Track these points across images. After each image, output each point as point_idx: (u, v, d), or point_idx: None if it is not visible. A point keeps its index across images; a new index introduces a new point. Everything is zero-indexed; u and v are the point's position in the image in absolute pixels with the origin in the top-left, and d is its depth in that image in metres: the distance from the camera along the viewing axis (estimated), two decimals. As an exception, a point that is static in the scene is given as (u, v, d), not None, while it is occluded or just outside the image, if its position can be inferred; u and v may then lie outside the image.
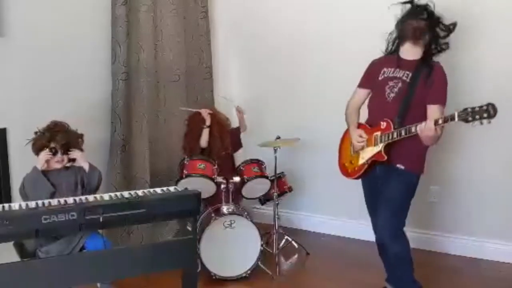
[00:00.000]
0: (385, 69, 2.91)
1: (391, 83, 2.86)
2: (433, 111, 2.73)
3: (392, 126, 2.78)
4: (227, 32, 4.64)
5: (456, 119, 2.45)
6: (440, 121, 2.53)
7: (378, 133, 2.84)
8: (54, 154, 2.82)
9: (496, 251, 3.68)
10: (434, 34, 2.83)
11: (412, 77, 2.79)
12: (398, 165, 2.81)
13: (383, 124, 2.83)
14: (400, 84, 2.82)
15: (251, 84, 4.60)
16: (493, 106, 2.38)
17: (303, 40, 4.23)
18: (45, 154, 2.79)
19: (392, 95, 2.84)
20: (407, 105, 2.77)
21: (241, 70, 4.67)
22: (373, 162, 2.88)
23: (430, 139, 2.66)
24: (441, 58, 2.89)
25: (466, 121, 2.44)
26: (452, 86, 2.84)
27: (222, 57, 4.67)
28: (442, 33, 2.85)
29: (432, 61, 2.84)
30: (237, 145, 4.07)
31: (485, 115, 2.39)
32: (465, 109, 2.43)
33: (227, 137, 3.86)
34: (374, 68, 3.00)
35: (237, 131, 4.06)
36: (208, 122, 3.76)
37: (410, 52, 2.84)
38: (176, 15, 4.04)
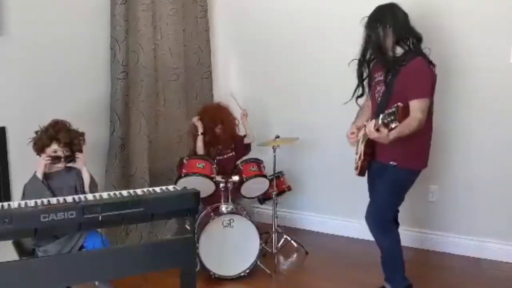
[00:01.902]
0: (376, 74, 2.96)
1: (378, 88, 2.94)
2: (411, 106, 2.73)
3: None
4: (226, 31, 4.64)
5: (380, 121, 2.52)
6: (379, 122, 2.57)
7: (364, 131, 2.94)
8: (56, 161, 2.81)
9: (499, 251, 3.68)
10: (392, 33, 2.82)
11: (390, 77, 2.83)
12: (391, 162, 2.86)
13: None
14: (383, 87, 2.88)
15: (250, 84, 4.59)
16: (398, 108, 2.39)
17: (302, 39, 4.23)
18: (45, 158, 2.77)
19: (379, 99, 2.91)
20: (385, 105, 2.80)
21: (240, 69, 4.67)
22: (362, 161, 2.96)
23: (379, 139, 2.67)
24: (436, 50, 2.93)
25: (384, 124, 2.48)
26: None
27: (221, 56, 4.67)
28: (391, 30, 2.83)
29: (410, 54, 2.81)
30: (241, 153, 4.04)
31: (392, 117, 2.42)
32: (385, 112, 2.50)
33: (229, 138, 3.88)
34: (371, 74, 3.04)
35: (241, 138, 4.03)
36: (200, 130, 3.77)
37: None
38: (175, 14, 4.04)
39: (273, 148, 3.75)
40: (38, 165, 2.78)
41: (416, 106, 2.70)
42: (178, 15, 4.07)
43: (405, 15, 2.87)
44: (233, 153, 3.97)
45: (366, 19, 2.90)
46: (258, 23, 4.43)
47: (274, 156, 3.76)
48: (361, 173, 3.05)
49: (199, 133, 3.78)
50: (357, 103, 3.09)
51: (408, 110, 2.62)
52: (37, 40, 3.19)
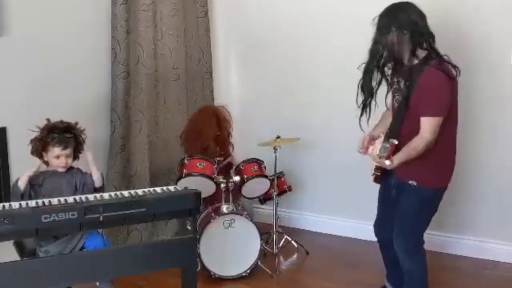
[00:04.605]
0: (395, 79, 2.72)
1: (396, 96, 2.71)
2: (422, 124, 2.54)
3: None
4: (227, 31, 4.64)
5: (377, 151, 2.47)
6: (377, 152, 2.50)
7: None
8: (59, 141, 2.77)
9: (502, 252, 3.67)
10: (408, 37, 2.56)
11: (407, 87, 2.60)
12: (410, 182, 2.66)
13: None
14: (400, 96, 2.66)
15: (251, 84, 4.59)
16: (391, 146, 2.38)
17: (303, 39, 4.22)
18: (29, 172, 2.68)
19: (396, 108, 2.71)
20: (400, 118, 2.63)
21: (241, 70, 4.66)
22: (376, 172, 2.76)
23: (383, 166, 2.54)
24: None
25: (378, 156, 2.46)
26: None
27: (222, 56, 4.67)
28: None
29: (427, 63, 2.57)
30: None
31: (384, 154, 2.40)
32: (382, 144, 2.47)
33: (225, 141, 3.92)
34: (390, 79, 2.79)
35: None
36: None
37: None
38: (176, 14, 4.04)
39: (274, 148, 3.75)
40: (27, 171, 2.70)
41: (426, 125, 2.52)
42: (178, 15, 4.07)
43: (422, 16, 2.60)
44: (222, 158, 3.93)
45: (378, 19, 2.63)
46: (259, 23, 4.43)
47: (275, 156, 3.76)
48: (376, 182, 2.85)
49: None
50: (367, 121, 2.77)
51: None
52: (38, 41, 3.19)
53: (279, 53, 4.37)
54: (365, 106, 2.71)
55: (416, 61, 2.60)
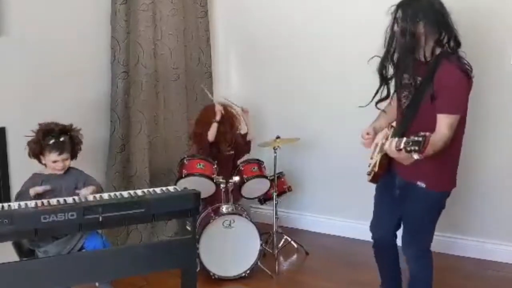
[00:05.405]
0: (405, 75, 2.53)
1: (405, 92, 2.54)
2: (439, 121, 2.38)
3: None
4: (226, 31, 4.64)
5: (402, 145, 2.19)
6: (401, 146, 2.19)
7: (384, 140, 2.63)
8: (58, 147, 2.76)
9: (505, 253, 3.67)
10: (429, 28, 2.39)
11: (421, 83, 2.44)
12: (418, 183, 2.52)
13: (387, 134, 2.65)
14: (412, 92, 2.50)
15: (250, 84, 4.59)
16: (425, 139, 2.09)
17: (303, 40, 4.22)
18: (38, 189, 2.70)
19: (406, 105, 2.55)
20: (411, 115, 2.49)
21: (240, 70, 4.66)
22: (378, 171, 2.66)
23: (399, 160, 2.37)
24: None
25: (406, 150, 2.17)
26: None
27: (222, 56, 4.66)
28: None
29: (445, 57, 2.41)
30: (241, 151, 3.98)
31: (417, 147, 2.10)
32: (410, 137, 2.18)
33: (233, 136, 3.83)
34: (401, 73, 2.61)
35: (243, 137, 3.98)
36: (218, 118, 3.69)
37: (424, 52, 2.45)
38: (176, 14, 4.04)
39: (273, 148, 3.75)
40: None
41: (445, 122, 2.36)
42: (178, 15, 4.06)
43: (444, 7, 2.44)
44: (232, 151, 3.93)
45: (399, 8, 2.44)
46: (259, 23, 4.43)
47: (275, 156, 3.76)
48: (373, 181, 2.77)
49: (215, 120, 3.68)
50: (377, 107, 2.64)
51: None
52: (37, 40, 3.19)
53: (279, 53, 4.37)
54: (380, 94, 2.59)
55: (434, 55, 2.46)
